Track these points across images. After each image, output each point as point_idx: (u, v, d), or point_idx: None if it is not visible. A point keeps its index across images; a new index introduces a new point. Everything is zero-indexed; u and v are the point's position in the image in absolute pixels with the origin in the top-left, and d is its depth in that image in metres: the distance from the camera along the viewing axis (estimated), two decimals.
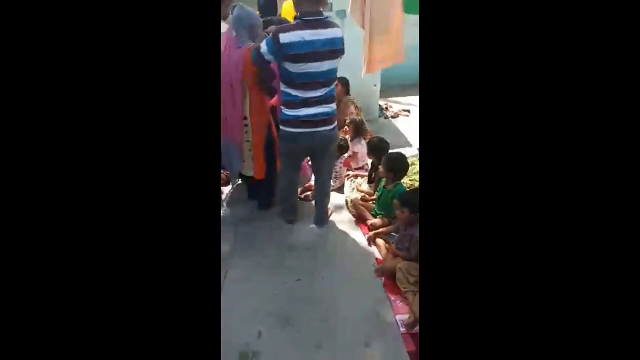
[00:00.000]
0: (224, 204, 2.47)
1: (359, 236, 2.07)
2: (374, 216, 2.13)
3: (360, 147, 2.69)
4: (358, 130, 2.75)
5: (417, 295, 1.54)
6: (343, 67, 3.21)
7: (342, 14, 3.43)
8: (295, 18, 1.76)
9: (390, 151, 2.21)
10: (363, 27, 2.80)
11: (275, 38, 1.61)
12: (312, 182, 2.31)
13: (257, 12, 2.11)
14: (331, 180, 2.57)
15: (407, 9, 2.75)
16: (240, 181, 2.45)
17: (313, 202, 2.24)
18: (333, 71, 1.77)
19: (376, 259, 1.87)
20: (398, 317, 1.52)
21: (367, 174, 2.55)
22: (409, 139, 3.35)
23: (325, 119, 1.81)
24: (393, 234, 1.93)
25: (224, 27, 2.02)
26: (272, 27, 1.99)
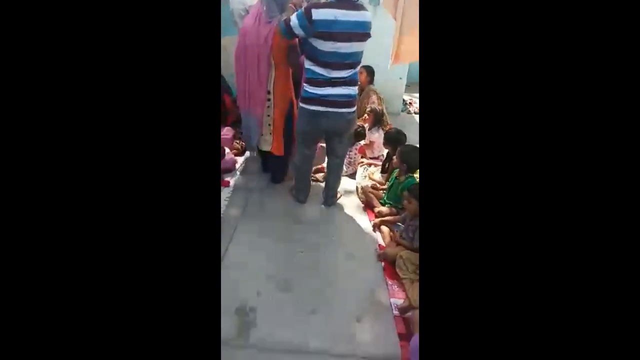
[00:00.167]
0: (238, 172, 2.55)
1: (365, 221, 2.12)
2: (382, 205, 2.17)
3: (378, 137, 2.71)
4: (377, 120, 2.77)
5: (415, 283, 1.59)
6: (371, 56, 3.24)
7: (375, 1, 3.40)
8: None
9: (406, 144, 2.23)
10: (395, 18, 2.78)
11: (308, 14, 1.61)
12: (324, 165, 2.35)
13: None
14: (345, 166, 2.62)
15: None
16: (255, 154, 2.51)
17: (323, 183, 2.29)
18: (359, 54, 1.77)
19: (379, 245, 1.93)
20: (393, 300, 1.58)
21: (381, 163, 2.58)
22: None
23: (348, 101, 1.83)
24: (399, 224, 1.97)
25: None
26: (300, 1, 2.00)
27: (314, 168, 2.37)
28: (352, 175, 2.61)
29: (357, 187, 2.39)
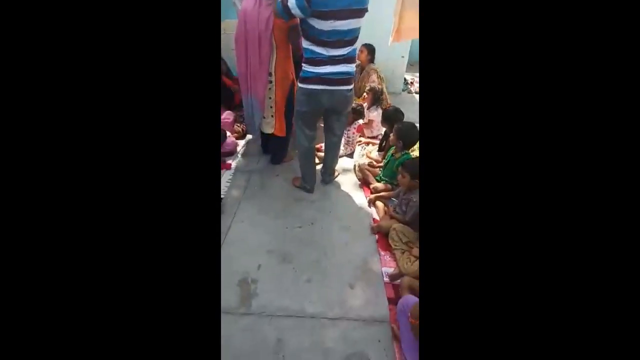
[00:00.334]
0: (239, 155, 2.63)
1: (361, 197, 2.19)
2: (378, 181, 2.23)
3: (377, 116, 2.74)
4: (376, 98, 2.78)
5: (405, 253, 1.67)
6: (372, 34, 3.22)
7: None
8: None
9: (403, 121, 2.27)
10: None
11: None
12: (321, 145, 2.39)
13: None
14: (343, 146, 2.67)
15: None
16: (257, 136, 2.57)
17: (321, 163, 2.34)
18: (357, 30, 1.77)
19: (373, 219, 2.01)
20: (384, 269, 1.67)
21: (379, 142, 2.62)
22: None
23: (347, 78, 1.85)
24: (393, 199, 2.04)
25: None
26: None
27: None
28: (351, 155, 2.67)
29: (354, 165, 2.45)
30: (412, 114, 2.92)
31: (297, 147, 2.13)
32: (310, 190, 2.19)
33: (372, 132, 2.86)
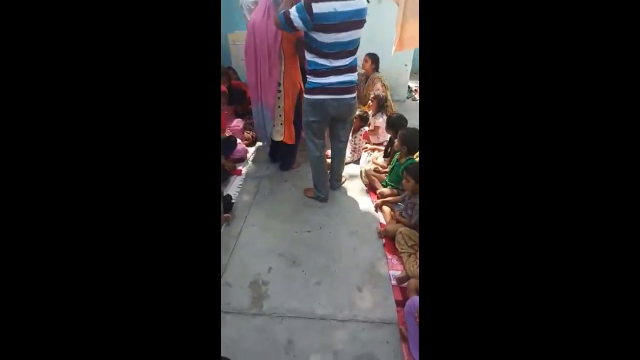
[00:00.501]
0: (249, 161, 2.71)
1: (367, 203, 2.24)
2: (384, 186, 2.28)
3: (382, 122, 2.79)
4: (381, 105, 2.85)
5: (412, 256, 1.71)
6: (376, 44, 3.30)
7: None
8: None
9: (407, 127, 2.32)
10: (398, 4, 2.82)
11: (309, 9, 1.64)
12: (328, 151, 2.44)
13: None
14: (350, 153, 2.73)
15: None
16: (265, 144, 2.64)
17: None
18: (358, 40, 1.83)
19: (380, 223, 2.05)
20: (391, 272, 1.71)
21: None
22: None
23: (350, 87, 1.91)
24: (399, 203, 2.08)
25: None
26: None
27: None
28: (357, 162, 2.72)
29: (360, 171, 2.51)
30: (416, 121, 2.97)
31: (309, 158, 2.15)
32: (325, 199, 2.21)
33: (377, 138, 2.91)
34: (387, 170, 2.38)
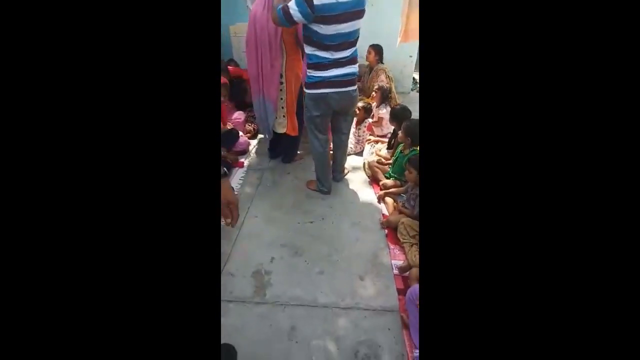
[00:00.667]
0: (251, 153, 2.72)
1: (370, 194, 2.24)
2: (387, 178, 2.28)
3: (385, 113, 2.79)
4: (385, 96, 2.83)
5: (414, 246, 1.72)
6: (380, 36, 3.27)
7: None
8: None
9: (411, 119, 2.31)
10: None
11: (309, 1, 1.60)
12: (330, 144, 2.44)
13: None
14: (353, 144, 2.72)
15: None
16: (267, 137, 2.64)
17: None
18: (358, 31, 1.81)
19: (383, 214, 2.05)
20: (393, 261, 1.71)
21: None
22: None
23: (352, 79, 1.90)
24: (402, 195, 2.08)
25: None
26: None
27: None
28: (360, 153, 2.72)
29: (364, 163, 2.50)
30: None
31: (313, 153, 2.14)
32: (327, 192, 2.22)
33: (381, 130, 2.90)
34: (391, 161, 2.38)
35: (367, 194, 2.25)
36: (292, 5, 1.63)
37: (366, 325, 1.41)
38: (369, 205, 2.15)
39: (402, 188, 2.10)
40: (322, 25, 1.68)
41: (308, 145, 2.24)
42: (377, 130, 2.92)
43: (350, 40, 1.78)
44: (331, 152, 2.41)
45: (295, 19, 1.65)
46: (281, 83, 2.18)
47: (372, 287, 1.58)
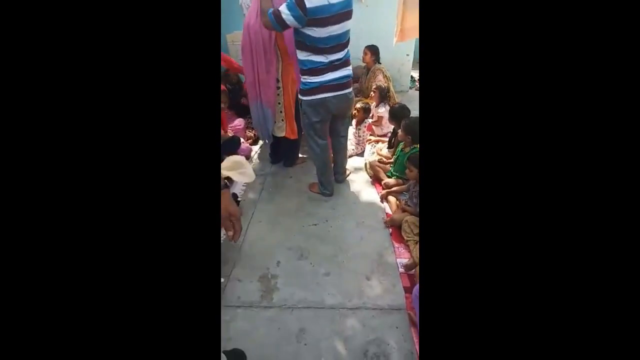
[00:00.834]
0: (253, 159, 2.74)
1: (373, 194, 2.25)
2: (389, 177, 2.28)
3: (384, 112, 2.80)
4: (383, 96, 2.85)
5: (418, 244, 1.72)
6: (377, 36, 3.29)
7: None
8: None
9: (410, 117, 2.31)
10: None
11: (301, 4, 1.58)
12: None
13: None
14: (354, 145, 2.74)
15: None
16: (266, 142, 2.66)
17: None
18: (349, 32, 1.81)
19: (386, 213, 2.06)
20: (399, 260, 1.71)
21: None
22: None
23: (348, 82, 1.91)
24: (405, 193, 2.09)
25: None
26: None
27: None
28: (362, 154, 2.73)
29: (365, 163, 2.51)
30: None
31: (313, 159, 2.14)
32: (330, 194, 2.22)
33: (381, 130, 2.91)
34: (392, 160, 2.38)
35: (370, 193, 2.26)
36: (284, 10, 1.61)
37: (374, 325, 1.42)
38: (372, 204, 2.16)
39: (404, 186, 2.11)
40: (315, 29, 1.67)
41: (307, 150, 2.26)
42: (377, 130, 2.93)
43: (342, 42, 1.79)
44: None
45: (288, 22, 1.63)
46: (278, 88, 2.21)
47: (378, 286, 1.59)
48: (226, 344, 1.34)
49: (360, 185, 2.36)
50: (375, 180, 2.35)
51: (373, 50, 3.22)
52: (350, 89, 1.96)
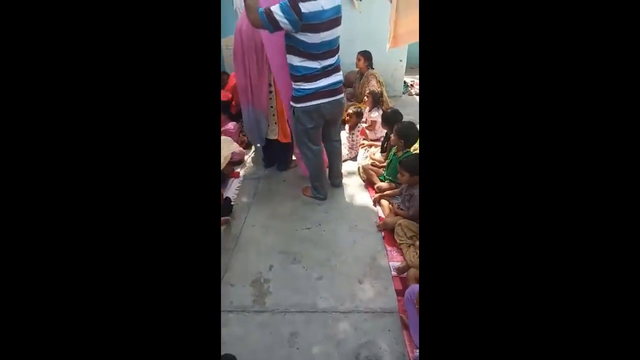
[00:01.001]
0: (246, 163, 2.73)
1: (366, 198, 2.26)
2: (382, 181, 2.30)
3: (378, 117, 2.82)
4: (376, 100, 2.87)
5: (411, 247, 1.73)
6: (371, 42, 3.33)
7: None
8: None
9: (402, 121, 2.34)
10: (390, 1, 2.85)
11: (296, 8, 1.56)
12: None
13: None
14: (347, 149, 2.75)
15: None
16: (258, 145, 2.65)
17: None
18: (339, 38, 1.82)
19: (379, 217, 2.06)
20: (391, 263, 1.72)
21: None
22: None
23: (340, 87, 1.93)
24: (397, 197, 2.10)
25: None
26: None
27: None
28: (355, 158, 2.74)
29: (358, 167, 2.52)
30: (412, 115, 2.99)
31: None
32: (324, 198, 2.22)
33: (375, 134, 2.93)
34: (385, 164, 2.40)
35: (363, 197, 2.27)
36: (277, 11, 1.57)
37: (366, 328, 1.42)
38: (364, 208, 2.16)
39: (396, 190, 2.12)
40: (308, 34, 1.66)
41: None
42: (370, 134, 2.95)
43: (333, 48, 1.80)
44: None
45: (281, 25, 1.59)
46: (270, 92, 2.22)
47: (371, 290, 1.59)
48: None
49: (354, 189, 2.37)
50: (369, 184, 2.37)
51: (366, 56, 3.25)
52: (342, 94, 1.98)
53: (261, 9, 1.60)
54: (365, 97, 2.95)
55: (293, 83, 1.84)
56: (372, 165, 2.44)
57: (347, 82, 3.57)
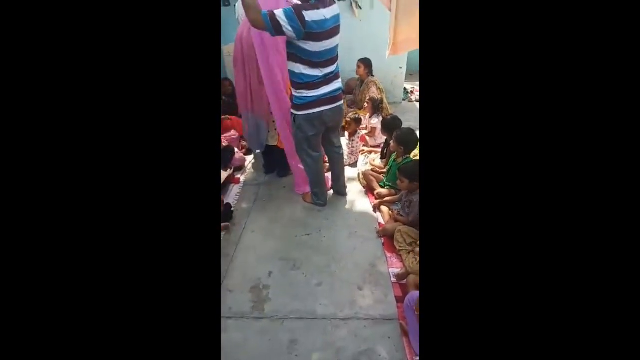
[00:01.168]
0: (247, 169, 2.74)
1: (366, 204, 2.26)
2: (382, 187, 2.30)
3: (378, 123, 2.83)
4: (376, 107, 2.89)
5: (410, 254, 1.72)
6: (371, 50, 3.36)
7: None
8: None
9: (402, 127, 2.35)
10: (389, 9, 2.89)
11: (300, 16, 1.57)
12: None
13: None
14: (347, 156, 2.76)
15: None
16: (259, 151, 2.66)
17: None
18: (338, 47, 1.85)
19: (379, 223, 2.06)
20: (391, 269, 1.72)
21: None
22: None
23: (340, 94, 1.95)
24: (397, 203, 2.10)
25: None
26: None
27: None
28: (355, 164, 2.75)
29: (358, 174, 2.53)
30: (412, 122, 3.02)
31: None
32: (324, 205, 2.23)
33: (375, 140, 2.95)
34: (385, 171, 2.40)
35: (363, 203, 2.27)
36: (282, 17, 1.55)
37: (366, 335, 1.41)
38: (364, 214, 2.16)
39: (396, 196, 2.12)
40: (311, 42, 1.68)
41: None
42: (370, 141, 2.96)
43: (333, 56, 1.83)
44: (326, 164, 2.45)
45: (284, 30, 1.58)
46: None
47: (370, 297, 1.58)
48: None
49: (354, 195, 2.37)
50: (369, 190, 2.37)
51: (366, 63, 3.28)
52: (342, 101, 2.00)
53: (264, 12, 1.58)
54: (366, 104, 2.97)
55: (294, 90, 1.86)
56: (372, 171, 2.45)
57: (348, 89, 3.60)
